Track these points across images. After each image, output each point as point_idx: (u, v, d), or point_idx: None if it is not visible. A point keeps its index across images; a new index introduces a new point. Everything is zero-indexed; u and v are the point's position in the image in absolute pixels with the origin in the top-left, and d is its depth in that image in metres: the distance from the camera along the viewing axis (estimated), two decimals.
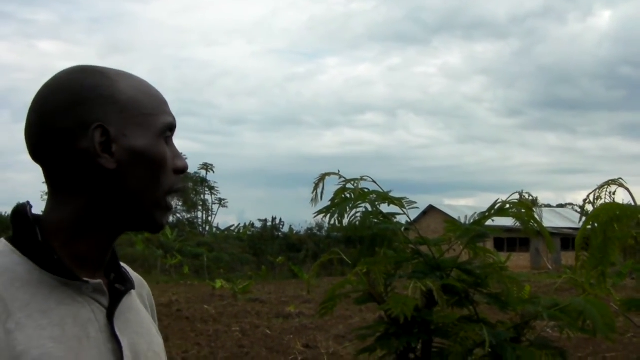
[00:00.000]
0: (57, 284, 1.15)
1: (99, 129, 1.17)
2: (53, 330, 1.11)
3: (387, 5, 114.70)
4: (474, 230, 2.94)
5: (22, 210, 1.20)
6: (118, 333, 1.19)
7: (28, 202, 1.22)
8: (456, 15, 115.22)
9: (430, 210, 48.02)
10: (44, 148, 1.20)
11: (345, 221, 2.92)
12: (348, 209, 2.92)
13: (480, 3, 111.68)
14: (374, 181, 3.00)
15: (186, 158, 1.32)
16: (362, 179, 2.99)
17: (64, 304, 1.14)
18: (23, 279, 1.13)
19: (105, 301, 1.20)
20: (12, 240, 1.18)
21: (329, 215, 2.94)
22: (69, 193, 1.20)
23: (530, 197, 3.06)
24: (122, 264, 1.35)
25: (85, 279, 1.17)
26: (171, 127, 1.27)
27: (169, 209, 1.25)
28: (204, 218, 65.31)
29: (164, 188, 1.23)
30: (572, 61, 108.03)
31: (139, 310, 1.33)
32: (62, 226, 1.19)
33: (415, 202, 3.05)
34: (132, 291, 1.31)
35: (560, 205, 68.80)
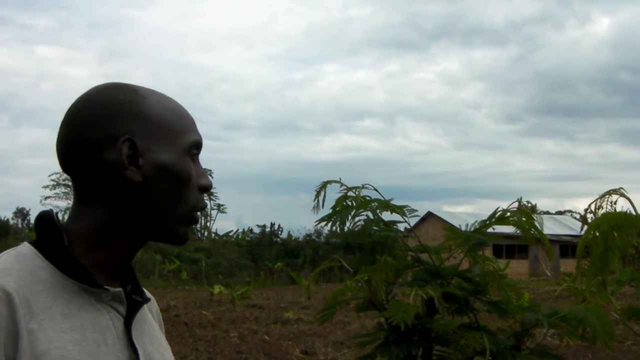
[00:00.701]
0: (78, 290, 1.18)
1: (127, 142, 1.21)
2: (73, 334, 1.13)
3: (385, 11, 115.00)
4: (474, 238, 2.94)
5: (48, 216, 1.24)
6: (135, 341, 1.21)
7: (52, 210, 1.25)
8: (454, 21, 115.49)
9: (429, 216, 48.02)
10: (73, 159, 1.23)
11: (347, 229, 2.92)
12: (349, 217, 2.92)
13: (478, 9, 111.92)
14: (375, 189, 3.01)
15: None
16: (363, 186, 2.99)
17: (84, 309, 1.17)
18: (46, 282, 1.16)
19: (123, 310, 1.23)
20: (35, 245, 1.21)
21: (330, 223, 2.95)
22: (94, 202, 1.23)
23: (530, 205, 3.06)
24: None
25: (106, 287, 1.20)
26: (197, 145, 1.29)
27: (193, 223, 1.28)
28: (203, 223, 65.34)
29: (188, 204, 1.26)
30: (571, 67, 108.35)
31: (152, 323, 1.36)
32: (84, 234, 1.22)
33: (417, 211, 3.05)
34: (145, 305, 1.34)
35: (559, 212, 68.86)
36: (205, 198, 1.33)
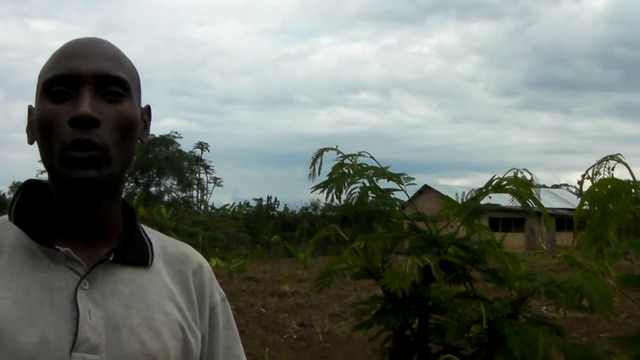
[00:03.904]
0: (39, 252, 1.20)
1: (29, 110, 1.28)
2: (16, 292, 1.15)
3: None
4: (472, 207, 2.93)
5: (29, 182, 1.30)
6: (80, 301, 1.17)
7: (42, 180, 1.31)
8: None
9: (425, 189, 48.02)
10: None
11: (344, 196, 2.91)
12: (346, 184, 2.91)
13: None
14: (371, 157, 2.99)
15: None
16: (360, 154, 2.97)
17: (38, 270, 1.18)
18: (10, 245, 1.20)
19: (81, 270, 1.20)
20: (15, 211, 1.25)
21: (326, 191, 2.93)
22: None
23: (529, 175, 3.01)
24: (160, 235, 1.40)
25: (57, 247, 1.19)
26: (53, 80, 1.20)
27: (70, 162, 1.17)
28: (199, 197, 65.30)
29: (58, 144, 1.18)
30: (567, 41, 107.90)
31: (149, 285, 1.28)
32: (51, 194, 1.27)
33: (414, 178, 3.03)
34: (154, 266, 1.31)
35: (555, 186, 68.93)
36: (82, 130, 1.16)
